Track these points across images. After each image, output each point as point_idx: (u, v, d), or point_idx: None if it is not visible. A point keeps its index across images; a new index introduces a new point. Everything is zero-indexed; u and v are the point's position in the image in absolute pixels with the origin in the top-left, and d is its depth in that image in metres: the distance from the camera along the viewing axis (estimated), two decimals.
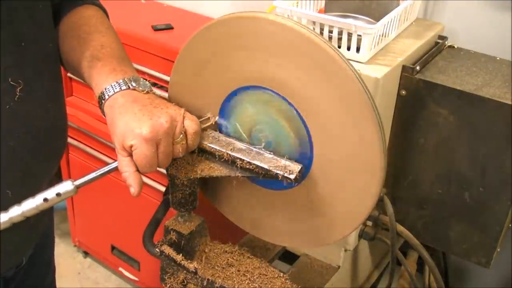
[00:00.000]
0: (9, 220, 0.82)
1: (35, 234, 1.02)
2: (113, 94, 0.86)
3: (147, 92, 0.88)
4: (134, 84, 0.87)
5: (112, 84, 0.86)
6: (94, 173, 0.87)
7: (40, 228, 1.05)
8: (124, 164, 0.84)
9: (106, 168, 0.88)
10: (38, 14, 0.85)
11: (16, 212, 0.82)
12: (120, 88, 0.86)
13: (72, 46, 0.93)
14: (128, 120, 0.82)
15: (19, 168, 0.85)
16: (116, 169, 0.88)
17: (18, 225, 0.83)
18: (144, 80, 0.90)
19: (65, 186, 0.84)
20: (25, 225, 0.84)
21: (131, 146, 0.82)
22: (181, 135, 0.85)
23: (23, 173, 0.86)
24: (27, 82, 0.82)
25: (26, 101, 0.83)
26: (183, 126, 0.85)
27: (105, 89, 0.86)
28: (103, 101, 0.87)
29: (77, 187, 0.85)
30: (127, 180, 0.84)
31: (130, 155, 0.83)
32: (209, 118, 0.94)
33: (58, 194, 0.83)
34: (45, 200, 0.83)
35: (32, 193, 0.86)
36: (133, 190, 0.85)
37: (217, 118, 0.94)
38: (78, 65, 0.93)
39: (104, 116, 0.88)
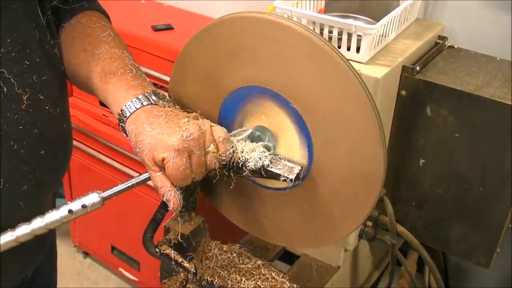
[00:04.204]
0: (31, 232, 0.79)
1: (44, 247, 1.01)
2: (135, 111, 0.83)
3: (169, 106, 0.86)
4: (155, 98, 0.85)
5: (133, 100, 0.84)
6: (122, 184, 0.84)
7: (49, 240, 1.04)
8: (159, 180, 0.82)
9: (134, 180, 0.85)
10: (40, 19, 0.84)
11: (38, 224, 0.80)
12: (142, 103, 0.84)
13: (79, 60, 0.90)
14: (156, 134, 0.80)
15: (31, 178, 0.83)
16: (145, 181, 0.85)
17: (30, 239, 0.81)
18: (163, 94, 0.88)
19: (91, 198, 0.81)
20: (35, 239, 0.82)
21: (163, 160, 0.80)
22: (212, 145, 0.83)
23: (34, 184, 0.84)
24: (34, 90, 0.80)
25: (33, 109, 0.81)
26: (212, 136, 0.83)
27: (126, 106, 0.84)
28: (124, 119, 0.84)
29: (104, 199, 0.82)
30: (165, 196, 0.82)
31: (163, 169, 0.81)
32: (244, 129, 0.93)
33: (83, 206, 0.81)
34: (70, 212, 0.80)
35: (42, 204, 0.84)
36: (173, 205, 0.83)
37: (251, 130, 0.92)
38: (88, 81, 0.90)
39: (126, 134, 0.86)
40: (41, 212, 0.82)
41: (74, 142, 2.00)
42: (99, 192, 0.82)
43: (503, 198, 1.21)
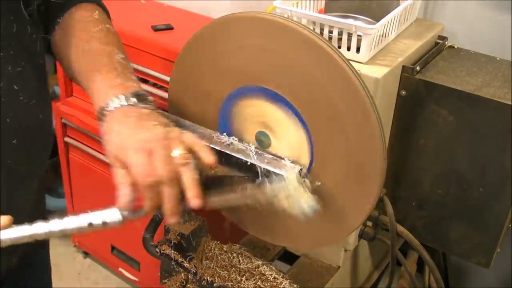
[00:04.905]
0: (48, 233, 0.78)
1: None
2: (112, 111, 0.84)
3: (148, 109, 0.86)
4: (134, 100, 0.85)
5: (112, 99, 0.85)
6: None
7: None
8: (119, 175, 0.82)
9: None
10: (19, 8, 0.83)
11: (57, 226, 0.78)
12: (120, 104, 0.84)
13: (72, 55, 0.91)
14: (121, 133, 0.81)
15: (6, 168, 0.83)
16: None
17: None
18: (145, 95, 0.88)
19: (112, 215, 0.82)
20: (28, 217, 0.80)
21: (125, 157, 0.80)
22: (180, 148, 0.80)
23: (11, 174, 0.84)
24: (8, 81, 0.81)
25: (8, 100, 0.81)
26: (184, 142, 0.82)
27: (105, 105, 0.85)
28: (102, 117, 0.85)
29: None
30: (118, 190, 0.82)
31: (125, 167, 0.81)
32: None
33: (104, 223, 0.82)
34: (90, 225, 0.81)
35: (22, 194, 0.84)
36: (119, 202, 0.82)
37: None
38: (78, 76, 0.91)
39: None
40: (17, 202, 0.82)
41: (75, 142, 2.00)
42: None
43: (503, 198, 1.21)
